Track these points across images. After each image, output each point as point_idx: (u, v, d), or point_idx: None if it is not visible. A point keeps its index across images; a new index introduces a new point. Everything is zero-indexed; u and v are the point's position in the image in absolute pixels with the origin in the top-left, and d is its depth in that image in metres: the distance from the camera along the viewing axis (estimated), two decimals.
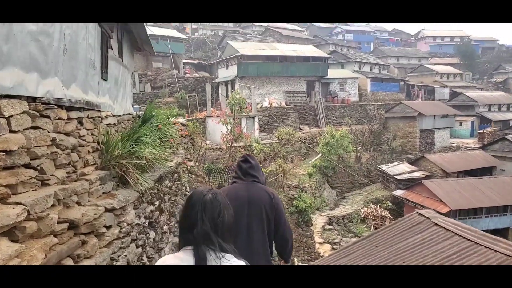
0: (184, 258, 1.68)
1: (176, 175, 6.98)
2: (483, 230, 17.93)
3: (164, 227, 5.50)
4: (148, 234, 4.60)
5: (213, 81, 34.74)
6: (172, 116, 8.19)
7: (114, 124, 5.14)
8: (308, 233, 14.07)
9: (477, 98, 39.63)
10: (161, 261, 1.73)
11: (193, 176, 9.36)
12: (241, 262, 1.69)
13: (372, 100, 36.65)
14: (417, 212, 6.11)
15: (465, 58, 60.01)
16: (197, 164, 10.23)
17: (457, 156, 27.18)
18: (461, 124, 37.86)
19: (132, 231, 3.98)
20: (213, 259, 1.64)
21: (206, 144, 19.50)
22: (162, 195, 5.47)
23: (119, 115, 5.78)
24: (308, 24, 66.88)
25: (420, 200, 22.30)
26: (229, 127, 16.20)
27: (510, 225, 20.23)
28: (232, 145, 16.02)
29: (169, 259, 1.74)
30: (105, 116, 4.44)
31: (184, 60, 39.98)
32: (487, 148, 28.83)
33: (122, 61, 5.82)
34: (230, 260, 1.67)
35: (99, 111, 4.05)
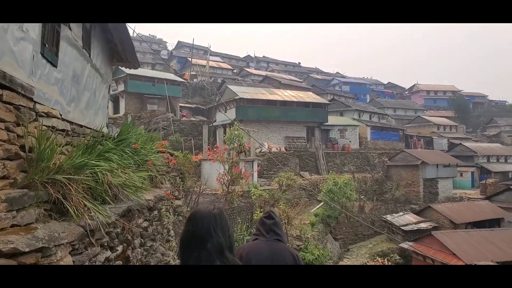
0: None
1: (155, 212, 5.48)
2: None
3: None
4: None
5: (211, 124, 33.83)
6: (157, 140, 6.83)
7: (65, 131, 3.79)
8: None
9: (476, 149, 38.93)
10: None
11: (181, 218, 7.79)
12: None
13: (372, 148, 35.72)
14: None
15: (459, 111, 60.79)
16: (187, 206, 8.70)
17: (464, 206, 25.64)
18: (461, 174, 36.71)
19: None
20: None
21: (201, 188, 17.97)
22: (130, 238, 3.95)
23: (78, 125, 4.42)
24: (306, 75, 68.01)
25: (430, 253, 20.39)
26: (226, 167, 14.76)
27: None
28: (230, 187, 14.50)
29: None
30: (44, 113, 3.09)
31: (181, 104, 39.42)
32: (492, 199, 27.40)
33: (90, 57, 4.60)
34: None
35: (31, 99, 2.70)
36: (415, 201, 29.53)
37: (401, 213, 26.67)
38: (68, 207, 2.72)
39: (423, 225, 24.46)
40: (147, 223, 5.02)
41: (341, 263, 22.10)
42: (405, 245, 22.63)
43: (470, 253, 18.75)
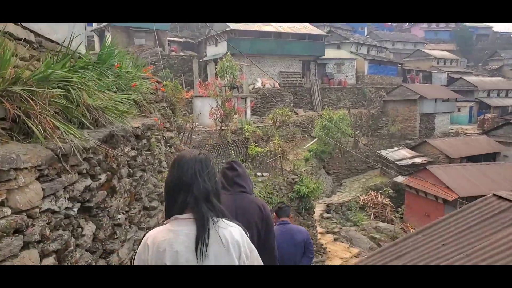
0: (179, 229, 1.47)
1: (144, 142, 4.97)
2: None
3: (119, 216, 3.53)
4: (78, 229, 2.62)
5: (201, 59, 32.39)
6: (143, 66, 6.13)
7: (29, 43, 3.11)
8: (310, 222, 12.24)
9: (477, 83, 38.18)
10: (150, 242, 1.48)
11: (173, 150, 7.31)
12: (236, 226, 1.56)
13: (369, 83, 34.83)
14: (494, 195, 4.25)
15: (461, 44, 58.69)
16: (180, 141, 8.20)
17: (460, 141, 25.67)
18: (459, 110, 36.42)
19: (36, 223, 2.01)
20: (211, 225, 1.47)
21: (193, 125, 17.45)
22: (115, 166, 3.46)
23: (48, 39, 3.73)
24: None
25: (424, 187, 20.72)
26: (219, 101, 14.10)
27: None
28: (223, 122, 13.99)
29: (159, 234, 1.48)
30: None
31: (169, 38, 37.41)
32: (490, 133, 27.41)
33: None
34: (227, 225, 1.52)
35: None
36: (411, 137, 29.50)
37: (396, 148, 26.74)
38: (33, 127, 2.17)
39: (417, 160, 24.63)
40: (135, 152, 4.53)
41: (333, 196, 22.52)
42: (399, 179, 22.96)
43: (465, 186, 19.03)
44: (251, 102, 19.87)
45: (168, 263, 1.45)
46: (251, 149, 11.90)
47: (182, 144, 8.09)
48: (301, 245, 4.64)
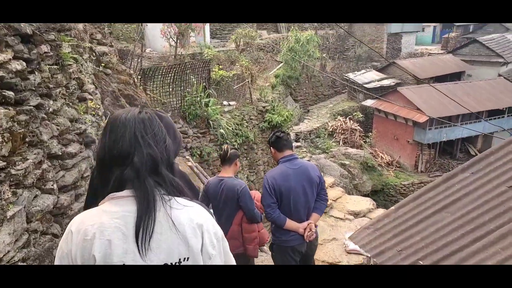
0: (115, 210, 1.12)
1: (44, 48, 3.06)
2: (457, 139, 15.97)
3: None
4: None
5: None
6: None
7: None
8: None
9: None
10: (74, 229, 1.13)
11: (109, 71, 5.34)
12: (196, 205, 1.23)
13: None
14: None
15: None
16: (120, 63, 6.13)
17: (428, 61, 24.83)
18: (423, 30, 35.36)
19: None
20: (160, 204, 1.14)
21: (142, 49, 14.91)
22: None
23: None
24: None
25: (393, 109, 20.01)
26: None
27: (482, 131, 18.76)
28: (178, 42, 11.69)
29: (88, 218, 1.13)
30: None
31: None
32: (455, 52, 26.75)
33: None
34: (184, 205, 1.18)
35: None
36: (378, 58, 28.29)
37: (363, 71, 25.56)
38: None
39: (386, 82, 23.70)
40: (24, 65, 2.64)
41: (301, 124, 21.45)
42: (368, 102, 22.09)
43: (435, 107, 18.41)
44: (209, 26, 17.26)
45: (97, 256, 1.09)
46: (214, 72, 9.98)
47: (124, 66, 6.06)
48: (316, 183, 3.39)
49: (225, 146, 3.75)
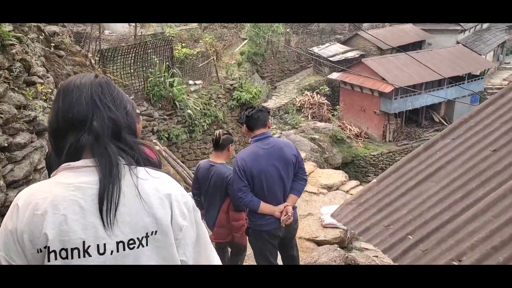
0: (71, 182, 0.99)
1: None
2: (421, 107, 16.40)
3: None
4: None
5: None
6: None
7: None
8: None
9: None
10: (21, 203, 0.98)
11: (63, 53, 4.87)
12: (165, 176, 1.12)
13: None
14: None
15: None
16: (72, 38, 5.60)
17: (390, 32, 25.06)
18: None
19: None
20: (124, 172, 1.02)
21: (100, 30, 14.02)
22: None
23: None
24: None
25: (359, 81, 20.22)
26: None
27: (445, 98, 19.39)
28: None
29: (38, 192, 0.99)
30: None
31: None
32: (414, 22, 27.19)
33: None
34: (150, 175, 1.07)
35: None
36: (340, 31, 28.30)
37: (327, 44, 25.52)
38: None
39: (350, 54, 23.81)
40: None
41: (269, 101, 21.29)
42: (334, 76, 22.17)
43: (399, 77, 18.73)
44: None
45: (50, 233, 0.95)
46: (177, 51, 9.48)
47: (78, 47, 5.55)
48: (292, 162, 3.13)
49: (217, 132, 3.54)
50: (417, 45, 25.33)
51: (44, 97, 3.50)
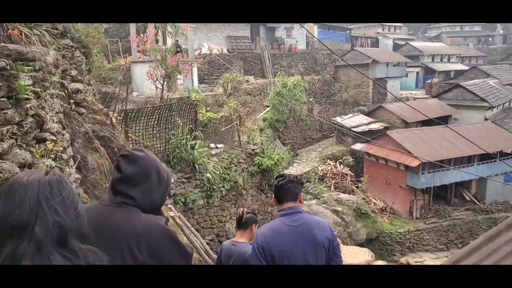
0: None
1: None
2: (450, 184, 15.47)
3: None
4: None
5: (140, 23, 28.55)
6: None
7: None
8: None
9: (422, 49, 38.34)
10: None
11: (84, 111, 4.76)
12: None
13: (320, 49, 33.27)
14: None
15: None
16: (98, 102, 5.59)
17: (415, 105, 24.99)
18: (406, 75, 36.37)
19: None
20: None
21: (128, 92, 14.55)
22: None
23: None
24: None
25: (384, 153, 19.72)
26: (158, 56, 11.28)
27: (476, 176, 18.48)
28: (165, 84, 11.30)
29: None
30: None
31: None
32: (440, 97, 27.26)
33: None
34: None
35: None
36: (364, 103, 28.61)
37: (350, 115, 25.63)
38: None
39: (374, 126, 23.68)
40: None
41: (290, 168, 20.92)
42: (357, 146, 21.85)
43: (426, 151, 18.20)
44: (198, 61, 17.10)
45: None
46: (201, 114, 9.48)
47: (100, 105, 5.50)
48: (324, 247, 2.62)
49: (241, 210, 3.36)
50: (443, 120, 25.03)
51: (53, 156, 3.25)
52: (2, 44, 2.71)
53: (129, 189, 1.65)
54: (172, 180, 7.48)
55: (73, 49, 5.30)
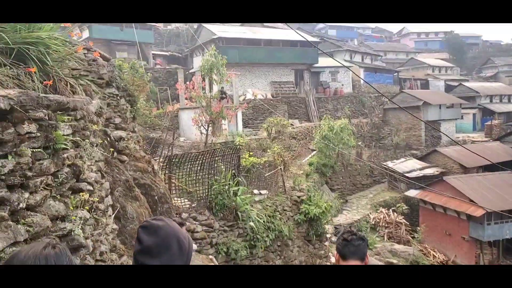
0: None
1: (27, 127, 2.43)
2: None
3: None
4: None
5: (188, 72, 30.14)
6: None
7: None
8: (323, 251, 9.54)
9: (478, 89, 36.45)
10: None
11: (126, 158, 4.71)
12: None
13: (366, 92, 32.78)
14: None
15: (453, 52, 57.93)
16: (143, 146, 5.60)
17: (474, 149, 23.30)
18: (462, 117, 34.43)
19: None
20: None
21: (174, 137, 14.92)
22: None
23: None
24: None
25: (442, 201, 18.21)
26: (203, 103, 11.50)
27: None
28: (209, 130, 11.41)
29: None
30: None
31: (154, 52, 35.19)
32: (503, 140, 25.26)
33: None
34: None
35: None
36: (417, 146, 27.20)
37: (402, 159, 24.35)
38: None
39: (429, 171, 22.24)
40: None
41: (340, 216, 19.89)
42: (412, 193, 20.46)
43: (490, 199, 16.55)
44: (242, 106, 17.33)
45: None
46: (244, 159, 9.31)
47: (142, 152, 5.46)
48: None
49: None
50: (507, 165, 22.96)
51: (87, 207, 3.11)
52: (42, 94, 2.69)
53: (150, 261, 1.61)
54: (195, 247, 7.15)
55: (118, 98, 5.41)
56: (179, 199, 7.58)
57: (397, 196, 21.73)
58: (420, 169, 22.45)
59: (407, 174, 21.63)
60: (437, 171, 22.12)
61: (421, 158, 24.22)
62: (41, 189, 2.64)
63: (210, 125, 12.01)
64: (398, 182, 22.20)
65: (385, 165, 23.43)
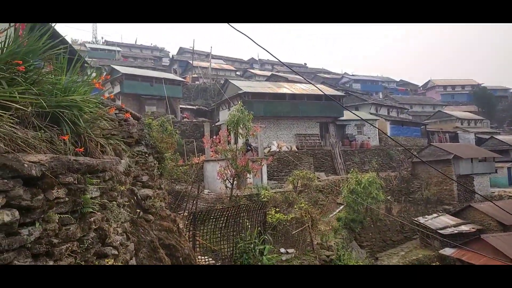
0: None
1: (57, 193, 2.42)
2: None
3: None
4: None
5: (214, 125, 30.88)
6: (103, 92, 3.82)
7: None
8: None
9: (511, 142, 35.18)
10: None
11: (152, 218, 4.65)
12: None
13: (393, 144, 32.29)
14: None
15: (482, 105, 57.01)
16: (169, 201, 5.57)
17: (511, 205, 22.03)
18: (496, 171, 32.98)
19: None
20: None
21: (199, 190, 14.89)
22: None
23: None
24: (313, 75, 65.03)
25: (481, 261, 16.88)
26: (228, 156, 11.55)
27: None
28: (234, 183, 11.34)
29: None
30: None
31: (182, 106, 36.58)
32: None
33: None
34: None
35: None
36: (449, 201, 25.99)
37: (434, 215, 23.18)
38: None
39: (464, 228, 20.97)
40: (16, 216, 1.94)
41: None
42: (446, 251, 19.19)
43: None
44: (267, 160, 17.28)
45: None
46: (270, 215, 9.07)
47: (168, 211, 5.41)
48: None
49: None
50: None
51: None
52: (72, 158, 2.71)
53: None
54: None
55: (147, 155, 5.48)
56: (203, 257, 7.34)
57: (431, 254, 20.43)
58: (455, 226, 21.22)
59: (440, 231, 20.46)
60: (473, 228, 20.82)
61: (454, 214, 23.00)
62: (66, 256, 2.57)
63: (235, 178, 11.96)
64: (431, 239, 20.97)
65: (416, 220, 22.34)
